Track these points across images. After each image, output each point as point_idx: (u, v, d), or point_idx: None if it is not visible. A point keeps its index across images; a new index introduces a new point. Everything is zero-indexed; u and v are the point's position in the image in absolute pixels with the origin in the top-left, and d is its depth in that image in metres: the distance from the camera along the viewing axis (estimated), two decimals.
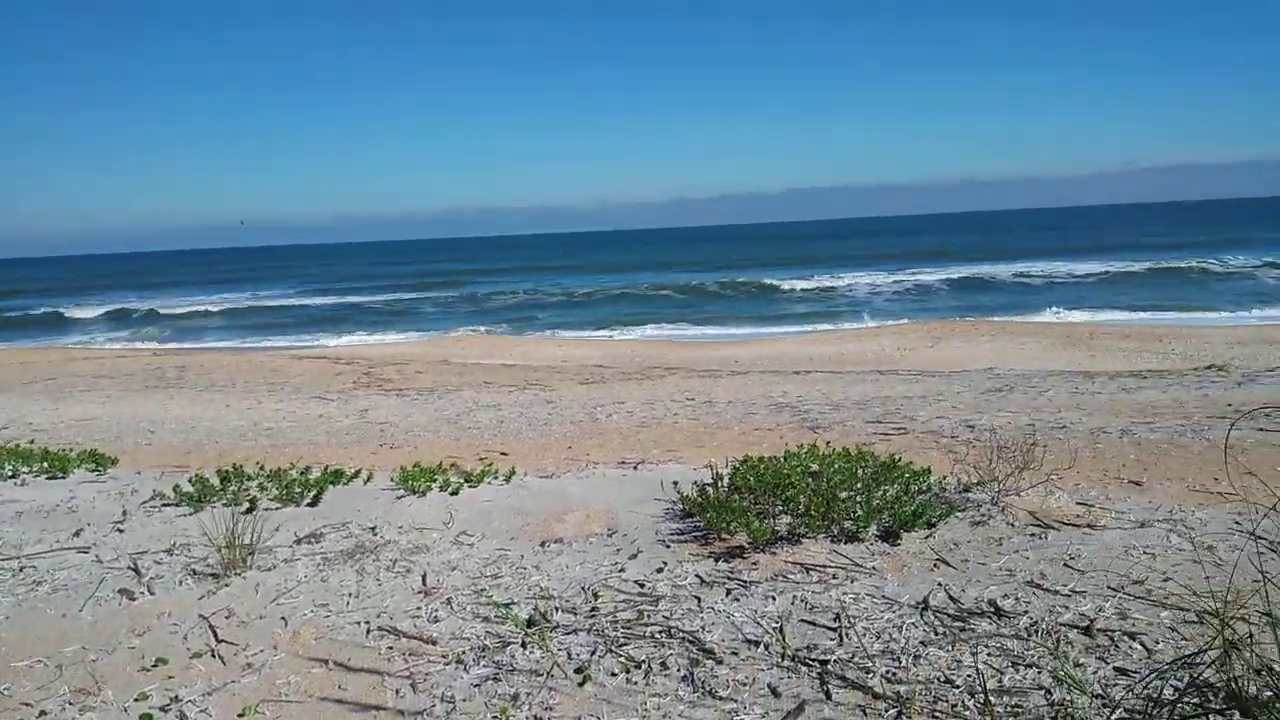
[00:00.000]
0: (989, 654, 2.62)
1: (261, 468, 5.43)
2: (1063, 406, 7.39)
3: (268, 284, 54.59)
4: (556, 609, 3.16)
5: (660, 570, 3.52)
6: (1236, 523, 3.74)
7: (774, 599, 3.17)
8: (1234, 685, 1.85)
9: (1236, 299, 27.20)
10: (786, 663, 2.66)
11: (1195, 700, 2.09)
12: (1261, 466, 4.63)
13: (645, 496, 4.62)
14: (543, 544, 3.93)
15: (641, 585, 3.36)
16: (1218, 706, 1.98)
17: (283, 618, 3.26)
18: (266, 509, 4.70)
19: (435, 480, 4.94)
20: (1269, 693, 1.81)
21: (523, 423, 7.85)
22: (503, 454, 6.22)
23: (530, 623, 3.03)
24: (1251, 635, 2.06)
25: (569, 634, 2.94)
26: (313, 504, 4.78)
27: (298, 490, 4.88)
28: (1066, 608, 2.93)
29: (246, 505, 4.73)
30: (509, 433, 7.33)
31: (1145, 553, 3.42)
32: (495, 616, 3.13)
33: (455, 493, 4.79)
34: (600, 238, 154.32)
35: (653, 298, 36.91)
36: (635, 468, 5.45)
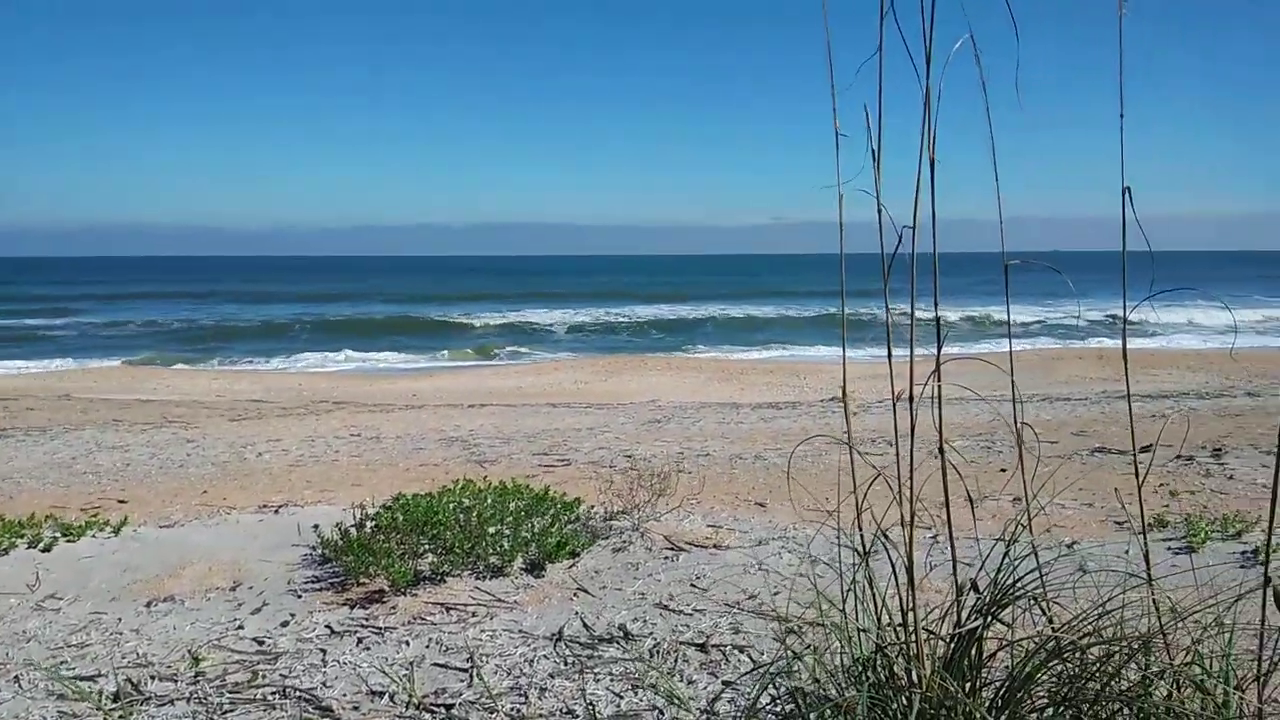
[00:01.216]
0: (612, 679, 2.69)
1: None
2: (710, 435, 7.99)
3: None
4: (153, 677, 2.78)
5: (286, 624, 3.24)
6: (838, 538, 4.21)
7: (409, 644, 3.03)
8: (799, 689, 2.03)
9: (860, 339, 31.42)
10: (411, 712, 2.54)
11: (790, 707, 2.28)
12: (863, 487, 5.28)
13: (283, 543, 4.26)
14: (149, 604, 3.46)
15: (261, 643, 3.07)
16: (798, 710, 2.17)
17: None
18: None
19: (23, 535, 4.20)
20: (827, 693, 2.02)
21: (153, 465, 6.98)
22: (121, 502, 5.46)
23: (117, 696, 2.63)
24: (813, 645, 2.29)
25: (164, 705, 2.59)
26: None
27: None
28: (688, 626, 3.11)
29: None
30: (134, 477, 6.48)
31: (761, 569, 3.74)
32: (75, 693, 2.68)
33: (48, 549, 4.10)
34: (275, 263, 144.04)
35: (329, 327, 34.89)
36: (277, 511, 5.03)
